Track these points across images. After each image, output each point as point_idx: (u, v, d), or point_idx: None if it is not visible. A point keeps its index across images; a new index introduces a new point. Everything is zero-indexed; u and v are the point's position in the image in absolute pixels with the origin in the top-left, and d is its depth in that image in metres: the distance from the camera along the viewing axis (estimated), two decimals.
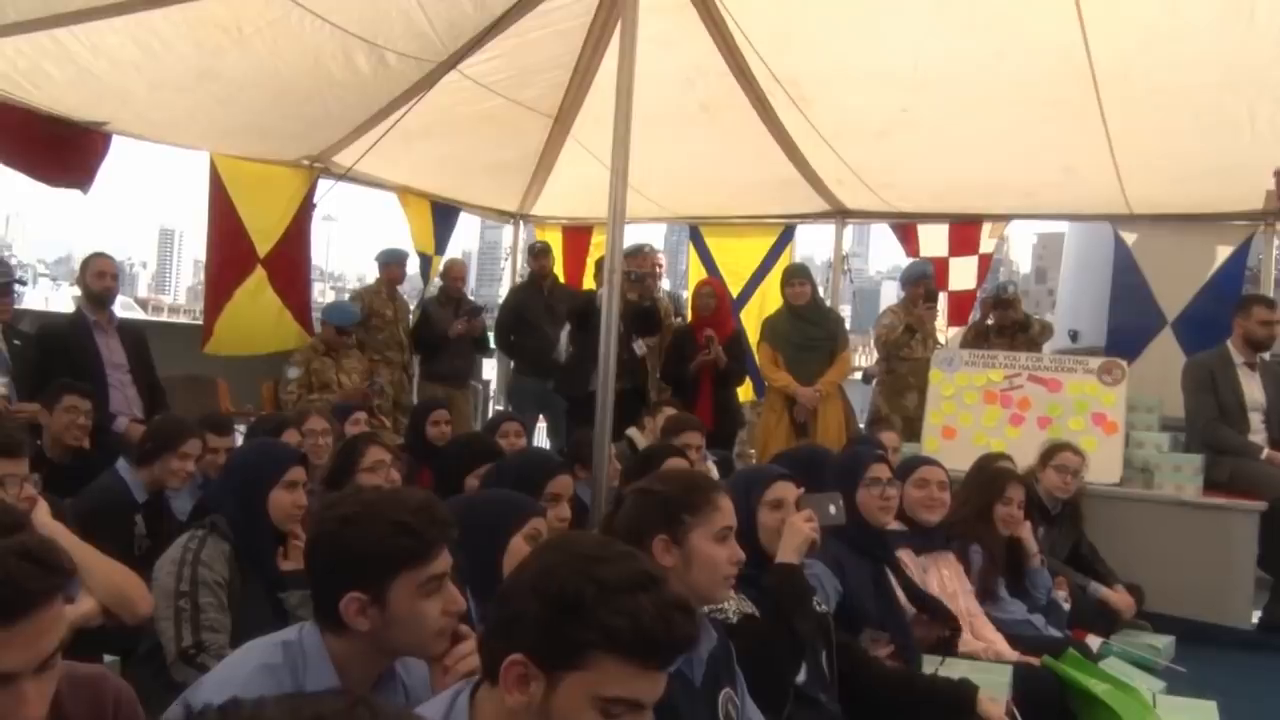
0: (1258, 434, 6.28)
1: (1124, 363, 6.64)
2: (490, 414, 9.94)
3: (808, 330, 7.49)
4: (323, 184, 8.10)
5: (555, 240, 9.98)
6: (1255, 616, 5.98)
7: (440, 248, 9.40)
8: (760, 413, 8.18)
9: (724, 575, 2.44)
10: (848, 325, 8.54)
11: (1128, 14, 5.46)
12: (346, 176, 8.00)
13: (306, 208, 8.06)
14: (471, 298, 9.11)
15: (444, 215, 9.42)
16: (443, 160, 8.33)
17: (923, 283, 7.79)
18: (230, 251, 7.64)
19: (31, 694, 1.39)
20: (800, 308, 7.51)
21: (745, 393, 8.82)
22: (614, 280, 4.62)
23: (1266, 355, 6.58)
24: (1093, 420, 6.46)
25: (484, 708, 1.68)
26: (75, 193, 6.69)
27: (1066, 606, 4.94)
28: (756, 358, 7.96)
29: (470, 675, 1.88)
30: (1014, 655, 3.98)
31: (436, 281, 9.09)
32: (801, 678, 2.87)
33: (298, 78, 6.26)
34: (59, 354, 5.75)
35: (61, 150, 6.35)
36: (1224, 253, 7.69)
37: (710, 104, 7.16)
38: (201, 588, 3.07)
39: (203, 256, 8.10)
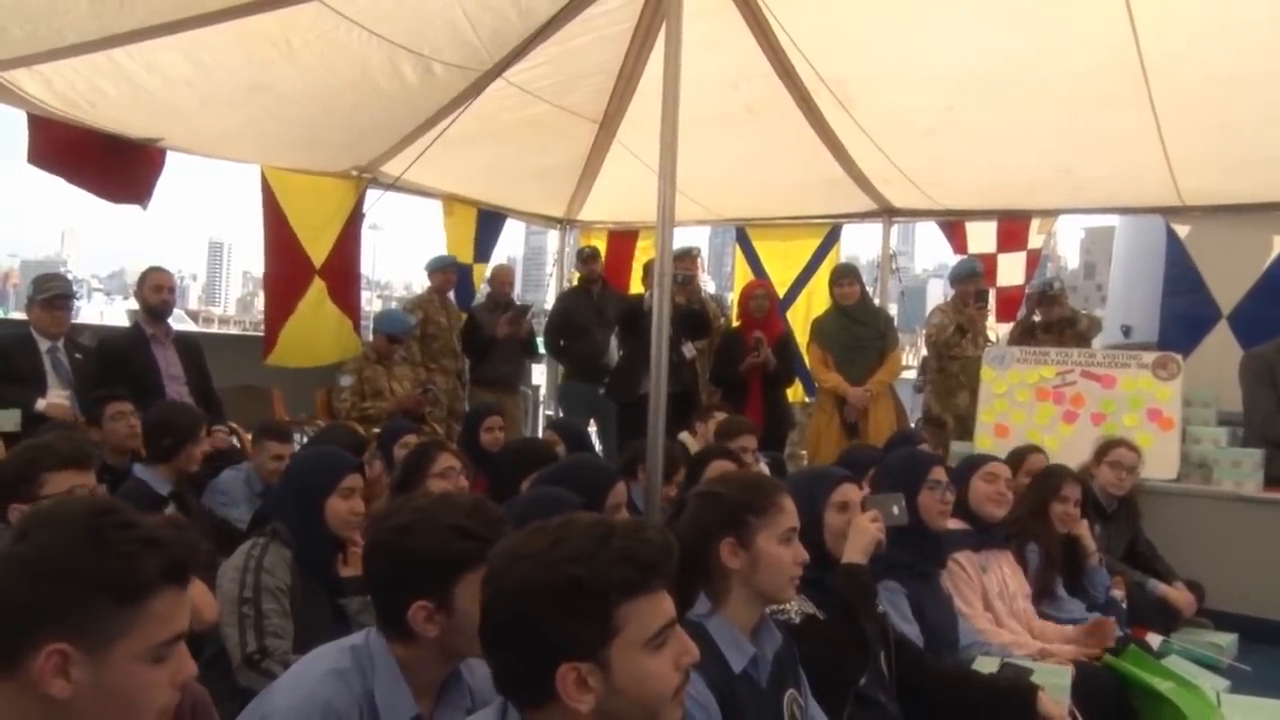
0: None
1: (1179, 357, 6.55)
2: (541, 419, 9.99)
3: (857, 330, 7.46)
4: (371, 193, 8.19)
5: (601, 244, 9.98)
6: None
7: (483, 256, 9.44)
8: (811, 413, 8.16)
9: (790, 576, 2.45)
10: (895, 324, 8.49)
11: (1178, 6, 5.41)
12: (394, 186, 8.09)
13: (356, 217, 8.16)
14: (517, 300, 9.11)
15: (490, 222, 9.46)
16: (489, 167, 8.38)
17: (973, 281, 7.73)
18: (288, 263, 7.76)
19: (185, 652, 1.54)
20: (849, 308, 7.49)
21: (796, 394, 8.82)
22: (664, 284, 4.62)
23: None
24: (1148, 416, 6.39)
25: None
26: (128, 208, 6.82)
27: (1124, 606, 4.89)
28: (806, 359, 7.95)
29: None
30: (1072, 652, 3.94)
31: (484, 289, 9.13)
32: (861, 679, 2.87)
33: (346, 89, 6.33)
34: (119, 367, 5.84)
35: (121, 167, 6.49)
36: None
37: (755, 105, 7.16)
38: (264, 594, 3.12)
39: (251, 268, 8.29)
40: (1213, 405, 6.64)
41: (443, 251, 8.90)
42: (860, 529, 2.98)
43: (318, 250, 7.83)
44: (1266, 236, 7.61)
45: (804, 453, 8.15)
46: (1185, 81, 5.97)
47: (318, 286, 7.84)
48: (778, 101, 7.05)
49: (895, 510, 3.22)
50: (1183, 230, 7.95)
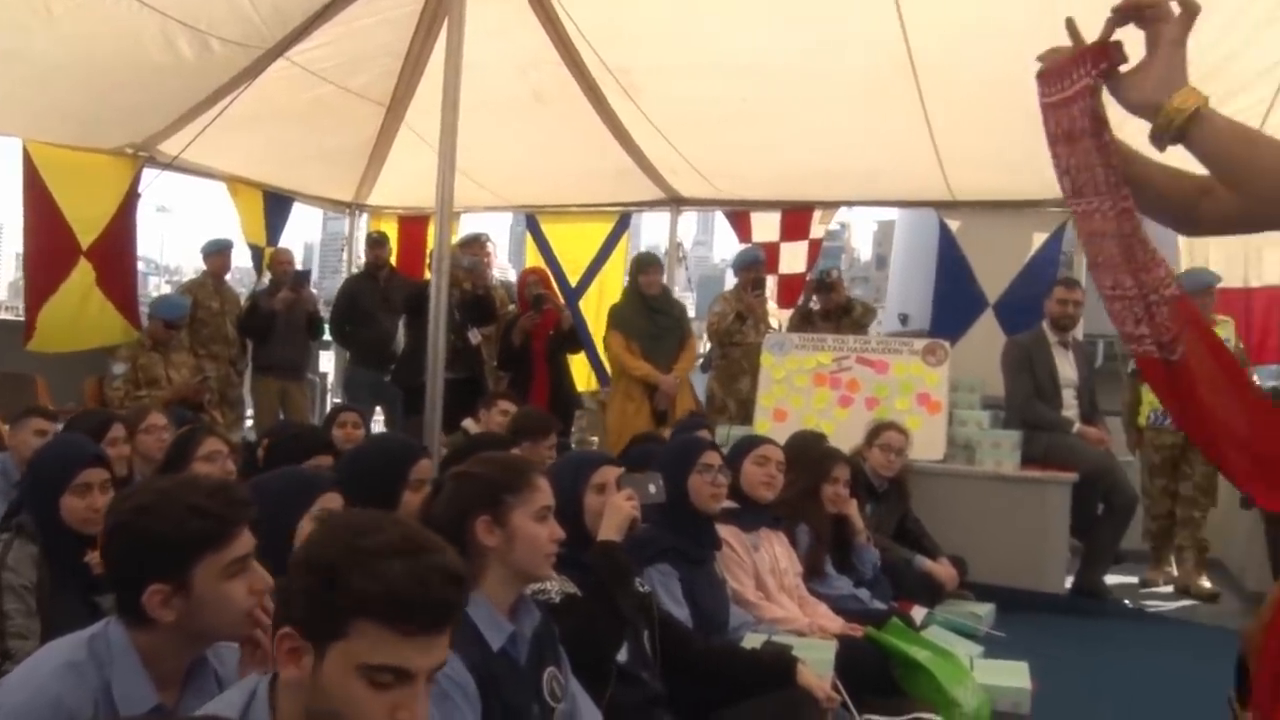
0: (1070, 410, 6.58)
1: (947, 344, 6.85)
2: (329, 406, 9.78)
3: (658, 319, 7.53)
4: (148, 173, 7.79)
5: (392, 230, 9.83)
6: (1068, 582, 6.33)
7: (273, 239, 9.17)
8: (603, 400, 8.20)
9: (546, 553, 2.48)
10: (693, 313, 8.63)
11: (942, 11, 5.66)
12: (173, 166, 7.74)
13: (131, 197, 7.76)
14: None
15: (277, 205, 9.18)
16: (274, 149, 8.15)
17: (753, 269, 7.91)
18: (50, 244, 7.28)
19: None
20: (653, 297, 7.56)
21: (587, 382, 8.86)
22: (443, 269, 4.60)
23: (1080, 336, 6.93)
24: (918, 400, 6.66)
25: (283, 694, 1.65)
26: None
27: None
28: (604, 346, 7.96)
29: None
30: (838, 626, 4.10)
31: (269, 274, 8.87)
32: (623, 657, 2.91)
33: (115, 62, 6.02)
34: None
35: None
36: (1040, 238, 7.98)
37: (544, 93, 7.17)
38: (7, 593, 2.97)
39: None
40: (978, 390, 6.96)
41: (236, 234, 8.62)
42: (614, 507, 3.01)
43: (86, 231, 7.38)
44: (1028, 231, 8.04)
45: (594, 439, 8.20)
46: (953, 83, 6.25)
47: (83, 269, 7.39)
48: (566, 90, 7.08)
49: (652, 489, 3.26)
50: (954, 223, 8.34)
